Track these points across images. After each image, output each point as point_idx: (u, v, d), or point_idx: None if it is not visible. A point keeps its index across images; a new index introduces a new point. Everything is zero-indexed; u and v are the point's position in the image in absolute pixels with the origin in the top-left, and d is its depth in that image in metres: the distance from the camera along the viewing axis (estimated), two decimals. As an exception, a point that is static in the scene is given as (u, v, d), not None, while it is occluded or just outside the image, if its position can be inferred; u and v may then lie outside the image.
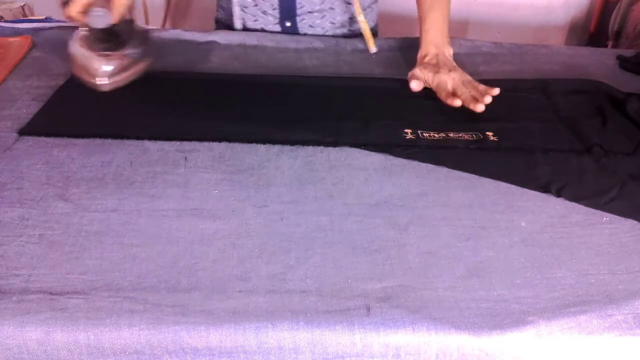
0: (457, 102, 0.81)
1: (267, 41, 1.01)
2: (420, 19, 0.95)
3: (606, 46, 1.89)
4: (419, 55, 0.92)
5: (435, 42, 0.92)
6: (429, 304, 0.52)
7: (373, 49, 1.00)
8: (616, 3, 1.88)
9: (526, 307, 0.52)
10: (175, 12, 2.10)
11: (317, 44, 1.02)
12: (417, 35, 0.95)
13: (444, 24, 0.93)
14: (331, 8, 1.04)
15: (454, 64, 0.89)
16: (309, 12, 1.04)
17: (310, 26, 1.06)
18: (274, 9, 1.03)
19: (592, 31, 2.07)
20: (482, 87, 0.84)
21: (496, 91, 0.82)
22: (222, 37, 1.01)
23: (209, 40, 1.01)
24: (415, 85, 0.88)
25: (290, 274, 0.54)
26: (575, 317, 0.51)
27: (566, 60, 1.02)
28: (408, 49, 1.02)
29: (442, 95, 0.84)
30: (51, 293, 0.50)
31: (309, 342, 0.49)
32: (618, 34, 1.86)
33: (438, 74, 0.86)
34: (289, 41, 1.01)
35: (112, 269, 0.53)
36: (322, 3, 1.03)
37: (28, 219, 0.58)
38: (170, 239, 0.57)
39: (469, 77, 0.87)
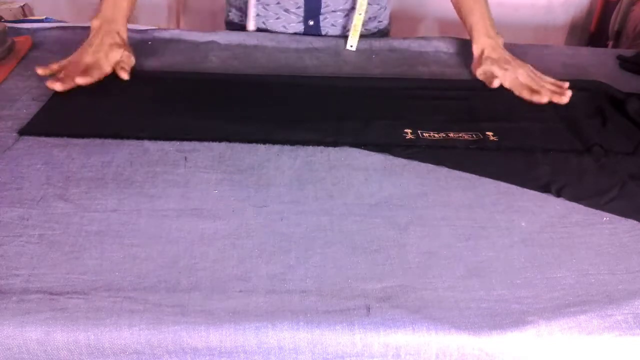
0: (545, 99, 0.84)
1: (267, 41, 1.01)
2: (464, 19, 0.97)
3: (606, 46, 1.89)
4: (475, 51, 0.94)
5: (487, 32, 0.94)
6: (429, 304, 0.52)
7: (352, 46, 1.01)
8: (616, 3, 1.88)
9: (526, 307, 0.52)
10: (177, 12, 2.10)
11: (317, 43, 1.02)
12: (418, 35, 0.96)
13: (490, 17, 0.96)
14: (353, 7, 1.04)
15: (514, 57, 0.92)
16: (333, 10, 1.04)
17: (332, 25, 1.06)
18: (298, 7, 1.03)
19: (592, 31, 2.07)
20: (549, 79, 0.88)
21: (566, 84, 0.87)
22: (222, 37, 1.01)
23: (209, 40, 1.01)
24: (497, 83, 0.88)
25: (290, 274, 0.54)
26: (575, 317, 0.51)
27: (566, 60, 1.02)
28: (408, 49, 1.03)
29: (524, 94, 0.86)
30: (51, 293, 0.50)
31: (309, 342, 0.49)
32: (618, 34, 1.86)
33: (507, 71, 0.88)
34: (289, 41, 1.01)
35: (112, 269, 0.53)
36: (346, 2, 1.03)
37: (28, 219, 0.58)
38: (170, 239, 0.57)
39: (532, 69, 0.90)
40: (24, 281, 0.51)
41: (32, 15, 1.81)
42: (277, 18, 1.05)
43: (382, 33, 1.14)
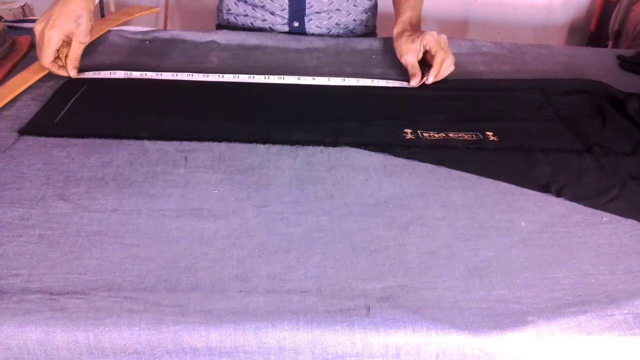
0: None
1: (267, 41, 1.01)
2: (397, 10, 0.99)
3: (606, 46, 1.89)
4: (395, 32, 0.96)
5: (411, 22, 0.95)
6: (429, 304, 0.52)
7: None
8: (616, 3, 1.88)
9: (526, 307, 0.52)
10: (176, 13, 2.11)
11: (317, 43, 1.02)
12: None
13: (419, 13, 0.98)
14: (337, 9, 1.06)
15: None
16: (317, 12, 1.05)
17: (317, 27, 1.08)
18: (283, 10, 1.04)
19: (592, 31, 2.08)
20: (437, 65, 0.87)
21: (430, 80, 0.87)
22: (222, 37, 1.01)
23: (209, 40, 1.01)
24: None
25: (290, 274, 0.54)
26: (575, 317, 0.51)
27: (566, 60, 1.02)
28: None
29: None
30: (51, 293, 0.50)
31: (309, 342, 0.49)
32: (618, 34, 1.86)
33: (424, 35, 0.89)
34: (289, 41, 1.02)
35: (112, 269, 0.53)
36: (330, 4, 1.04)
37: (28, 219, 0.58)
38: (170, 239, 0.57)
39: (445, 40, 0.90)
40: (24, 281, 0.51)
41: (32, 15, 1.81)
42: (264, 20, 1.07)
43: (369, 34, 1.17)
